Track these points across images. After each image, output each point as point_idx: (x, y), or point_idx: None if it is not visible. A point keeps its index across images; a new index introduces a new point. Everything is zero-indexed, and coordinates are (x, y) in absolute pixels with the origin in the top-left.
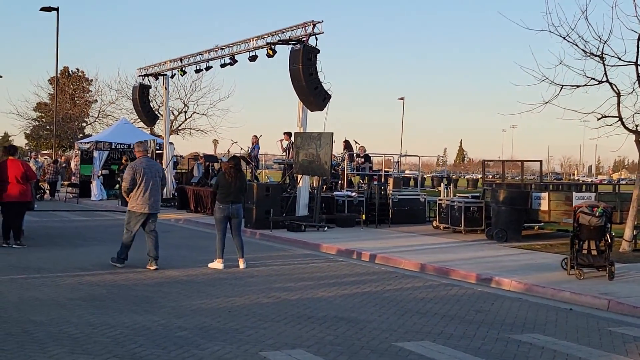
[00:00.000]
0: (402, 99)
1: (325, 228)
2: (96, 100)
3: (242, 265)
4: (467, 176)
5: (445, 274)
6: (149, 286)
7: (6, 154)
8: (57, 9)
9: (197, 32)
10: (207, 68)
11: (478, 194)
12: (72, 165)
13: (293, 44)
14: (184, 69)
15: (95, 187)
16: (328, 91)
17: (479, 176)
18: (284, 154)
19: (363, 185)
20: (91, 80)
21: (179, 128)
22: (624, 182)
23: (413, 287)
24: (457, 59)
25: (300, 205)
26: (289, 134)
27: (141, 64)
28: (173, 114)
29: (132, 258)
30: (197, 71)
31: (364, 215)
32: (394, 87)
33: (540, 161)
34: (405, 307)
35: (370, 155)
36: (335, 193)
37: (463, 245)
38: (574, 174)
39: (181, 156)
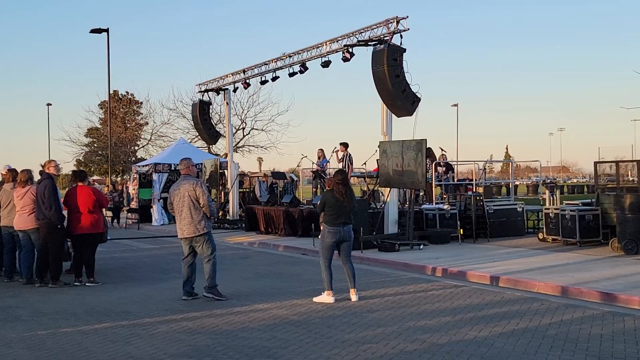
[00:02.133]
0: (455, 105)
1: (421, 246)
2: (147, 123)
3: (354, 297)
4: (520, 182)
5: (604, 300)
6: (259, 331)
7: (76, 179)
8: (107, 30)
9: (259, 43)
10: (274, 79)
11: (589, 200)
12: (131, 189)
13: (374, 44)
14: (247, 81)
15: (156, 212)
16: (417, 94)
17: (533, 180)
18: (339, 165)
19: (445, 196)
20: (141, 103)
21: (238, 145)
22: None
23: (574, 318)
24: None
25: (390, 222)
26: (345, 145)
27: (197, 80)
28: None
29: (230, 292)
30: (263, 82)
31: (461, 230)
32: (443, 92)
33: None
34: (592, 350)
35: (451, 163)
36: (424, 207)
37: (590, 260)
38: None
39: (246, 174)
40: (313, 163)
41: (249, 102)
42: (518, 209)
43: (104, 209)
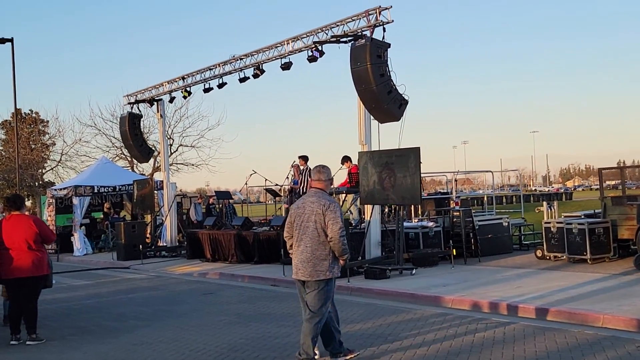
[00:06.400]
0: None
1: (413, 271)
2: (54, 143)
3: None
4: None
5: None
6: None
7: (10, 207)
8: (11, 40)
9: (203, 45)
10: (221, 85)
11: (592, 211)
12: (46, 216)
13: (350, 40)
14: (188, 89)
15: (78, 240)
16: (404, 95)
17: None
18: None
19: (429, 211)
20: (47, 122)
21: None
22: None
23: None
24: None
25: (372, 244)
26: (304, 158)
27: (122, 92)
28: (155, 148)
29: (224, 346)
30: (207, 90)
31: (454, 250)
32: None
33: None
34: None
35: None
36: (405, 225)
37: (629, 281)
38: (529, 185)
39: (184, 195)
40: (286, 178)
41: (176, 116)
42: (504, 224)
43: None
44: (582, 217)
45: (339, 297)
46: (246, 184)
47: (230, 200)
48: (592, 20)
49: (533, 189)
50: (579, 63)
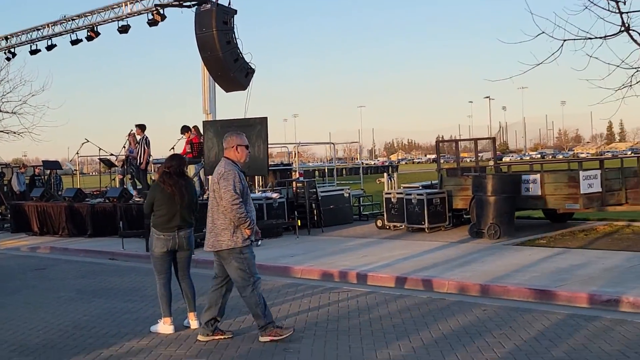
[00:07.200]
0: None
1: (259, 242)
2: None
3: (194, 323)
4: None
5: (542, 299)
6: None
7: None
8: None
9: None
10: (50, 47)
11: (428, 182)
12: None
13: (195, 4)
14: (12, 50)
15: None
16: (250, 64)
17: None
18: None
19: (272, 183)
20: None
21: None
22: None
23: (552, 325)
24: None
25: None
26: (141, 127)
27: None
28: None
29: (65, 324)
30: (33, 52)
31: (299, 221)
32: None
33: (494, 138)
34: None
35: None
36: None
37: (461, 248)
38: (356, 159)
39: (6, 164)
40: (123, 147)
41: None
42: (345, 195)
43: None
44: (420, 188)
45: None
46: (77, 153)
47: (59, 171)
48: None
49: (360, 162)
50: (402, 38)
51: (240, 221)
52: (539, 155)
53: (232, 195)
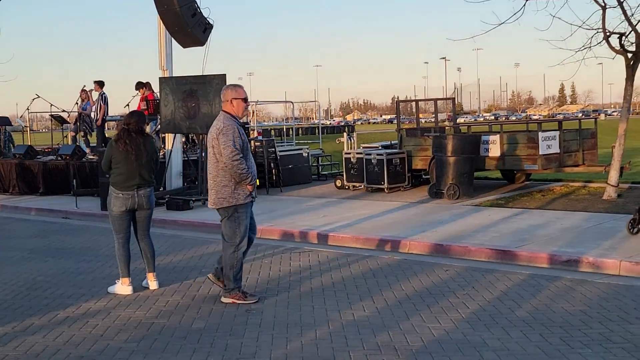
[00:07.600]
0: None
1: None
2: None
3: (153, 283)
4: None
5: (503, 259)
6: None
7: None
8: None
9: None
10: None
11: (388, 143)
12: None
13: None
14: None
15: None
16: (208, 19)
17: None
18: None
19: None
20: None
21: None
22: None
23: (516, 285)
24: None
25: (173, 175)
26: (100, 83)
27: None
28: None
29: (20, 284)
30: None
31: (257, 181)
32: None
33: (453, 99)
34: (563, 326)
35: None
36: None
37: (421, 208)
38: (311, 118)
39: None
40: (76, 104)
41: None
42: (304, 154)
43: None
44: (380, 148)
45: None
46: (28, 109)
47: (8, 128)
48: None
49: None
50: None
51: (242, 177)
52: (492, 117)
53: (232, 151)
